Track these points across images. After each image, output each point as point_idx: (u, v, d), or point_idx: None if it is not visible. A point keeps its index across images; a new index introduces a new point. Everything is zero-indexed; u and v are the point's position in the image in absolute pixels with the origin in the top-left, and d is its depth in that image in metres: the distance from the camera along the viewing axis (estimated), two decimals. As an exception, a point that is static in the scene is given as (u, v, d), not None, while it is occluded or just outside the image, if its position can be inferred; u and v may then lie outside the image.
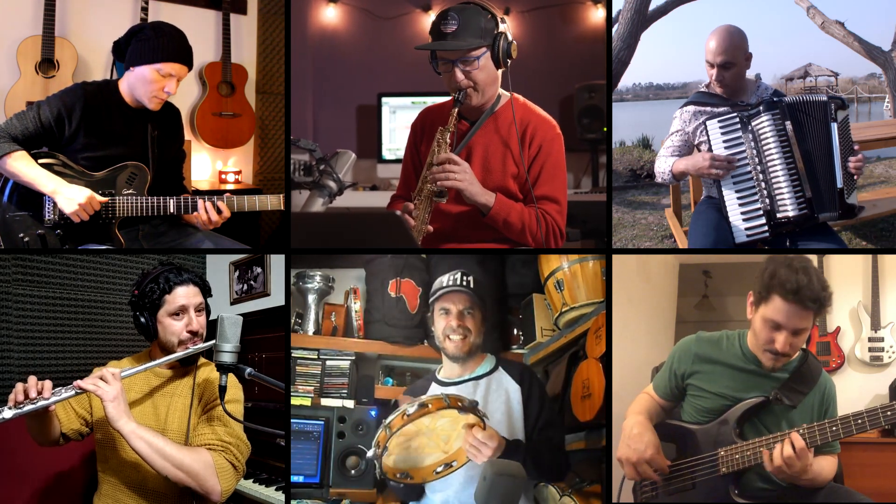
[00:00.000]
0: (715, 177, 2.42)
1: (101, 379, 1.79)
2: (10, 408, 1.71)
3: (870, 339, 3.02)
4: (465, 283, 2.24)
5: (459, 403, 1.90)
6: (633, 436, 2.02)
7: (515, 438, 2.08)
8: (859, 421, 1.84)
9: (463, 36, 2.17)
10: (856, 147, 2.40)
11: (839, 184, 2.35)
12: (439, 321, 2.24)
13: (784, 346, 1.90)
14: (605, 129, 3.93)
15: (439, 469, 2.00)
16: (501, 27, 2.22)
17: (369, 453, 1.94)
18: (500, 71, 2.27)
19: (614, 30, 4.16)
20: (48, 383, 1.77)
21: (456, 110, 2.23)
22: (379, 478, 1.99)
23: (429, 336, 2.33)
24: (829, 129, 2.35)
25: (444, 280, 2.26)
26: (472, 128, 2.31)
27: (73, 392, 1.78)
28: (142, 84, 2.42)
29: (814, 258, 3.03)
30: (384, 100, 4.35)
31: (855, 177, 2.39)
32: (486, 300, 2.29)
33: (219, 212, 2.44)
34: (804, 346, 2.05)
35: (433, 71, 2.29)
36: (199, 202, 2.43)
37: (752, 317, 1.97)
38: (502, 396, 2.18)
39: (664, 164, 2.59)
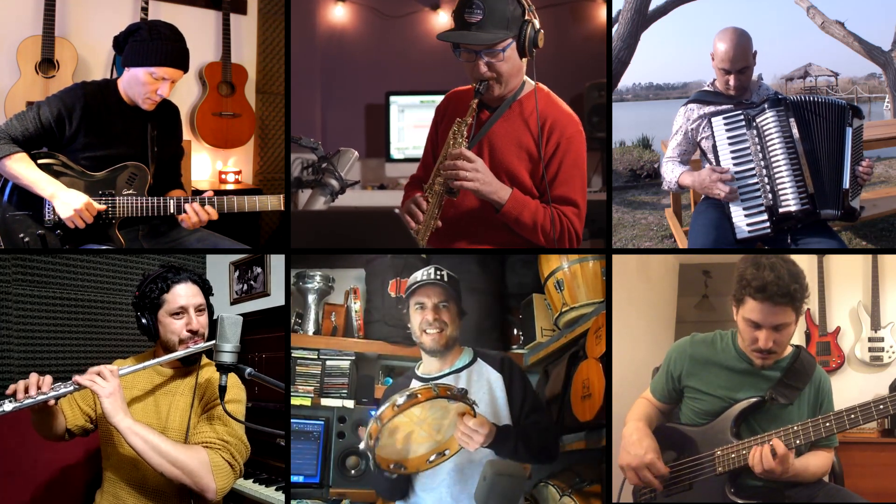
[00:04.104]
0: (717, 196, 2.42)
1: (99, 375, 1.80)
2: (10, 401, 1.73)
3: (870, 339, 3.02)
4: (438, 276, 2.22)
5: (448, 392, 1.91)
6: (632, 442, 2.03)
7: (505, 424, 2.07)
8: (852, 416, 1.86)
9: (488, 27, 2.08)
10: (865, 160, 2.42)
11: (845, 185, 2.37)
12: (415, 316, 2.23)
13: (767, 343, 1.91)
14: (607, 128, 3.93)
15: (432, 458, 2.01)
16: (528, 14, 2.13)
17: (361, 445, 1.95)
18: (524, 60, 2.19)
19: (614, 30, 4.16)
20: (48, 378, 1.78)
21: (476, 101, 2.16)
22: (373, 469, 1.99)
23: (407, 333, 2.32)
24: (843, 132, 2.38)
25: (419, 275, 2.25)
26: (491, 117, 2.24)
27: (71, 388, 1.79)
28: (136, 85, 2.42)
29: (814, 258, 3.05)
30: (392, 98, 4.34)
31: (860, 181, 2.41)
32: (460, 294, 2.27)
33: (203, 205, 2.44)
34: (797, 343, 2.06)
35: (441, 66, 2.23)
36: (187, 206, 2.44)
37: (737, 318, 1.98)
38: (484, 386, 2.18)
39: (671, 174, 2.59)
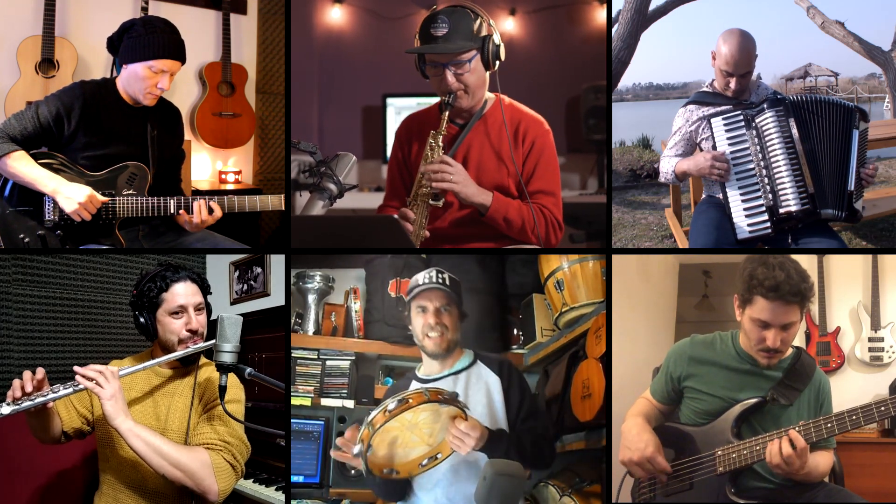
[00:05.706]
0: (716, 178, 2.44)
1: (100, 375, 1.80)
2: (8, 404, 1.72)
3: (870, 339, 3.02)
4: (440, 280, 2.24)
5: (440, 396, 1.92)
6: (632, 436, 2.03)
7: (499, 428, 2.08)
8: (854, 417, 1.86)
9: (454, 39, 2.19)
10: (871, 164, 2.43)
11: (850, 186, 2.38)
12: (417, 319, 2.24)
13: (775, 343, 1.92)
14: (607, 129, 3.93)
15: (424, 462, 2.02)
16: (489, 29, 2.24)
17: (354, 450, 1.94)
18: (488, 73, 2.29)
19: (614, 30, 4.16)
20: (41, 370, 1.77)
21: (447, 114, 2.24)
22: (365, 475, 2.00)
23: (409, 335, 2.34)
24: (849, 134, 2.39)
25: (420, 278, 2.26)
26: (462, 130, 2.33)
27: (70, 389, 1.78)
28: (135, 81, 2.42)
29: (814, 258, 3.05)
30: (389, 101, 4.35)
31: (864, 183, 2.41)
32: (461, 297, 2.29)
33: (210, 212, 2.44)
34: (798, 345, 2.06)
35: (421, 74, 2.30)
36: (196, 202, 2.43)
37: (741, 318, 1.99)
38: (482, 389, 2.19)
39: (667, 165, 2.61)
